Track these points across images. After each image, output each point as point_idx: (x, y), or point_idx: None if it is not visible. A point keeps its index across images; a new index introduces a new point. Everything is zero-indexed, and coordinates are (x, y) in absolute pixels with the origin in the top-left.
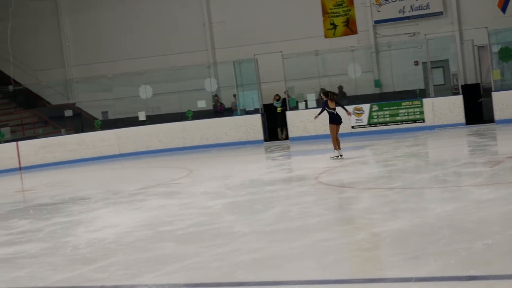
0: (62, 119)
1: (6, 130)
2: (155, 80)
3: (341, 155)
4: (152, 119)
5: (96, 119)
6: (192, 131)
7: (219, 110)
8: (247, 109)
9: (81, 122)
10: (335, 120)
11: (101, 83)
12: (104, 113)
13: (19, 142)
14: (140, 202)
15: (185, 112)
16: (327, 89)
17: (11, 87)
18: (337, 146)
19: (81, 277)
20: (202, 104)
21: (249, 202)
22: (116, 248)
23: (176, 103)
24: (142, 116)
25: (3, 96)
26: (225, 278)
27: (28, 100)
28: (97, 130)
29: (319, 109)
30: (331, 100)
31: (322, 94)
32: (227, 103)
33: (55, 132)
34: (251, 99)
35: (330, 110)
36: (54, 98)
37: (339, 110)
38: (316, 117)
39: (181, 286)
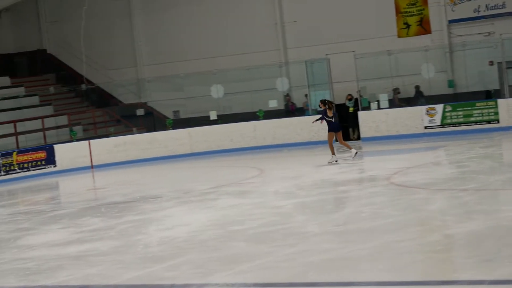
0: (134, 118)
1: (78, 129)
2: (227, 79)
3: (336, 161)
4: (224, 119)
5: (168, 118)
6: (263, 131)
7: (290, 110)
8: (318, 109)
9: (153, 121)
10: (333, 128)
11: (173, 82)
12: (176, 112)
13: (91, 141)
14: (212, 201)
15: (256, 112)
16: (401, 89)
17: (83, 86)
18: (333, 152)
19: (152, 275)
20: (273, 104)
21: (320, 202)
22: (187, 246)
23: (247, 102)
24: (213, 116)
25: (76, 95)
26: (296, 278)
27: (100, 99)
28: (169, 129)
29: (394, 109)
30: (329, 109)
31: (320, 103)
32: (298, 102)
33: (127, 131)
34: (322, 98)
35: (329, 119)
36: (126, 97)
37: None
38: (315, 122)
39: (252, 285)
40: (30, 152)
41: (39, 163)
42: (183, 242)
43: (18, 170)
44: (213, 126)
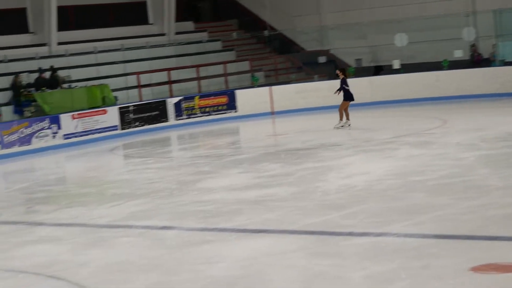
0: (315, 65)
1: (260, 75)
2: (411, 28)
3: (348, 125)
4: (406, 68)
5: (350, 66)
6: (446, 81)
7: (476, 61)
8: (506, 60)
9: (335, 68)
10: (349, 97)
11: (356, 30)
12: (358, 60)
13: (273, 87)
14: (392, 151)
15: (440, 62)
16: None
17: (266, 32)
18: (341, 118)
19: (329, 222)
20: (458, 54)
21: (504, 155)
22: (366, 195)
23: (431, 52)
24: (396, 65)
25: (258, 41)
26: (475, 232)
27: (282, 45)
28: (351, 77)
29: None
30: (347, 77)
31: (339, 72)
32: (485, 53)
33: (308, 78)
34: (511, 49)
35: (347, 88)
36: (309, 44)
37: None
38: (336, 92)
39: (430, 237)
40: (212, 97)
41: (220, 107)
42: (362, 191)
43: (200, 114)
44: (395, 75)
